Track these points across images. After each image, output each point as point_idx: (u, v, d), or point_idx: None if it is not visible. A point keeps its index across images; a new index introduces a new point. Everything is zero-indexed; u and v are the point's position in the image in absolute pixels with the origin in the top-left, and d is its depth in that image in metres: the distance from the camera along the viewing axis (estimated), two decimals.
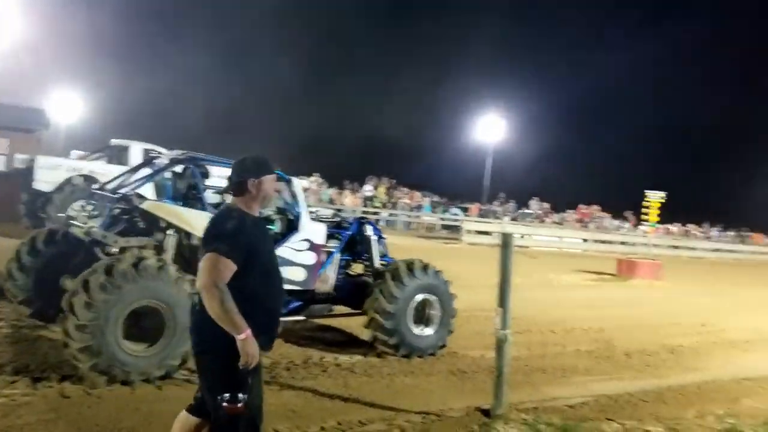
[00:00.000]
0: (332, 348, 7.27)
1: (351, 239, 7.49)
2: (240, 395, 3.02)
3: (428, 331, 7.22)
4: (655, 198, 23.41)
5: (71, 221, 6.74)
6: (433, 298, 7.25)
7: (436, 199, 32.99)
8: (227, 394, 3.02)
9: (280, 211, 7.15)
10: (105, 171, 13.76)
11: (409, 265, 7.12)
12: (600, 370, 7.64)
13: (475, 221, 28.88)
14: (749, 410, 6.28)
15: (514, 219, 32.26)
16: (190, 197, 6.71)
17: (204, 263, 3.03)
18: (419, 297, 7.13)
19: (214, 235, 3.13)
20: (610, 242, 31.63)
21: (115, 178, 7.65)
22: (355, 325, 7.89)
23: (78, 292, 5.19)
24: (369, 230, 7.50)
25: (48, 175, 13.47)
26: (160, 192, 6.97)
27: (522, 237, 25.91)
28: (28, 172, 13.79)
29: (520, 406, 5.68)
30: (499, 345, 5.48)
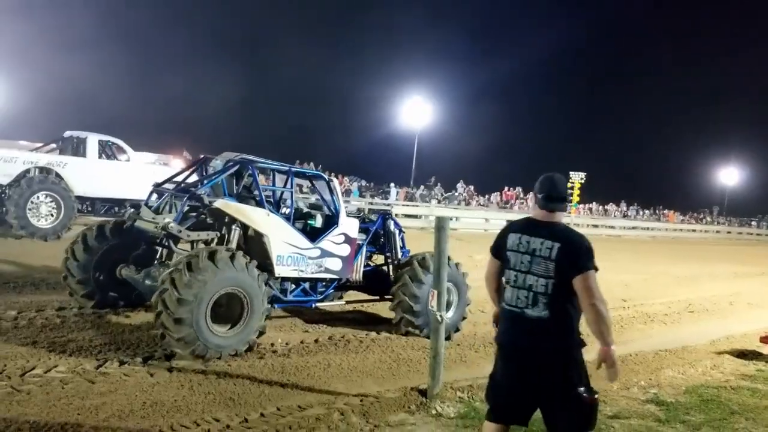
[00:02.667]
0: (267, 334, 7.22)
1: (375, 233, 8.30)
2: (593, 388, 3.39)
3: (449, 314, 7.67)
4: (576, 179, 24.22)
5: (138, 216, 7.27)
6: (452, 286, 7.76)
7: (364, 183, 33.09)
8: (583, 388, 3.35)
9: (319, 207, 8.22)
10: (62, 163, 13.64)
11: (423, 261, 7.72)
12: None
13: (403, 205, 29.13)
14: (670, 380, 6.64)
15: (441, 202, 32.71)
16: (244, 196, 7.51)
17: (590, 281, 3.33)
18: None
19: (588, 255, 3.39)
20: None
21: (171, 177, 8.74)
22: (291, 309, 7.91)
23: (168, 289, 5.85)
24: (391, 225, 8.36)
25: (3, 167, 12.97)
26: (216, 191, 7.47)
27: (450, 220, 26.30)
28: None
29: (455, 384, 5.80)
30: (435, 327, 5.58)
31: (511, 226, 3.67)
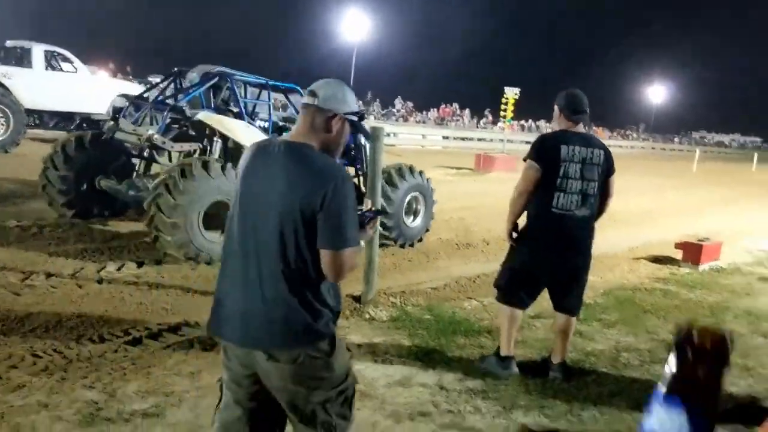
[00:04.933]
0: None
1: (347, 145, 8.11)
2: None
3: (417, 222, 8.27)
4: (510, 94, 24.38)
5: (118, 128, 7.24)
6: (419, 195, 8.26)
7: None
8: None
9: (292, 121, 8.11)
10: (7, 74, 12.95)
11: (399, 171, 8.04)
12: (460, 255, 8.16)
13: None
14: (590, 284, 6.84)
15: (379, 119, 32.54)
16: (222, 109, 7.66)
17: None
18: (409, 196, 8.11)
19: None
20: (469, 139, 32.89)
21: (148, 90, 8.79)
22: None
23: (162, 194, 6.07)
24: (362, 139, 8.16)
25: None
26: (194, 104, 7.50)
27: (388, 135, 26.30)
28: None
29: (389, 291, 5.98)
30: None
31: (557, 137, 4.01)
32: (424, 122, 37.48)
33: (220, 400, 2.39)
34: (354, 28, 38.03)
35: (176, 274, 6.07)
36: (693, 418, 1.28)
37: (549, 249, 4.07)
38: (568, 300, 4.25)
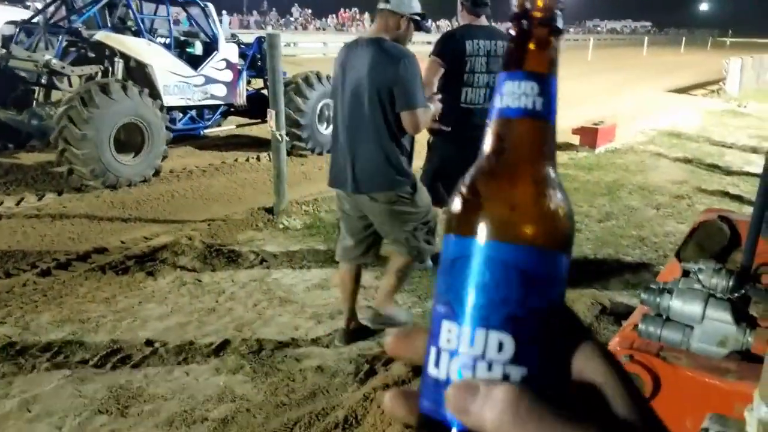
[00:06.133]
0: None
1: (252, 57, 8.32)
2: None
3: (330, 129, 7.82)
4: None
5: (11, 56, 6.90)
6: (331, 102, 7.80)
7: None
8: None
9: (194, 35, 8.23)
10: None
11: (307, 79, 7.99)
12: None
13: (239, 33, 27.67)
14: None
15: (277, 28, 31.44)
16: (120, 27, 7.43)
17: None
18: (321, 103, 8.05)
19: None
20: None
21: (37, 14, 8.24)
22: None
23: (66, 125, 5.88)
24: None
25: None
26: (90, 25, 7.22)
27: (288, 45, 25.51)
28: None
29: (300, 200, 5.99)
30: (275, 145, 5.62)
31: (461, 34, 3.98)
32: (323, 29, 36.51)
33: (338, 232, 3.45)
34: None
35: (79, 204, 5.86)
36: None
37: (461, 144, 4.13)
38: None
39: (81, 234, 5.11)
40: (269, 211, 5.59)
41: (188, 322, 3.65)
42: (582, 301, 3.79)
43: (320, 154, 8.12)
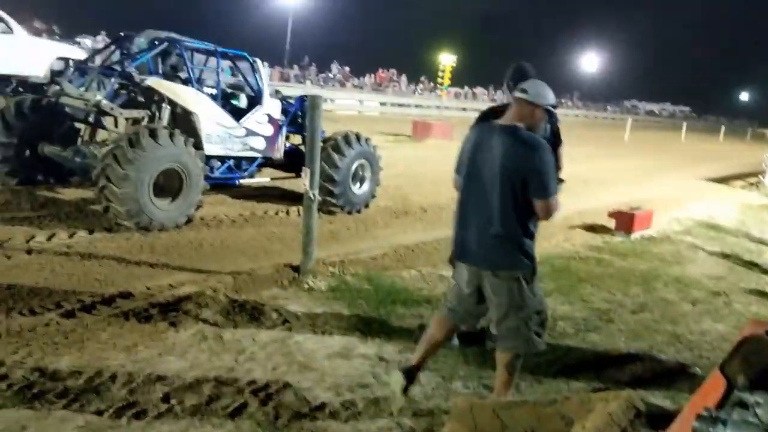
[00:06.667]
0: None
1: (294, 114, 8.48)
2: None
3: (364, 188, 8.46)
4: (447, 62, 24.40)
5: (63, 92, 7.12)
6: (365, 162, 8.40)
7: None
8: None
9: (240, 88, 8.45)
10: None
11: (346, 138, 8.13)
12: (398, 223, 8.19)
13: (279, 86, 28.28)
14: None
15: (315, 83, 32.07)
16: (170, 75, 7.64)
17: None
18: (356, 163, 8.24)
19: None
20: (406, 105, 32.80)
21: (93, 55, 8.73)
22: None
23: (110, 164, 6.04)
24: None
25: None
26: (142, 70, 7.46)
27: (325, 101, 25.98)
28: None
29: (327, 260, 5.93)
30: (307, 204, 5.61)
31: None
32: (361, 87, 37.15)
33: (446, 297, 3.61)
34: None
35: (109, 244, 5.88)
36: None
37: None
38: None
39: (108, 276, 5.10)
40: (295, 269, 5.54)
41: (206, 380, 3.56)
42: (617, 403, 3.63)
43: (350, 213, 8.17)
